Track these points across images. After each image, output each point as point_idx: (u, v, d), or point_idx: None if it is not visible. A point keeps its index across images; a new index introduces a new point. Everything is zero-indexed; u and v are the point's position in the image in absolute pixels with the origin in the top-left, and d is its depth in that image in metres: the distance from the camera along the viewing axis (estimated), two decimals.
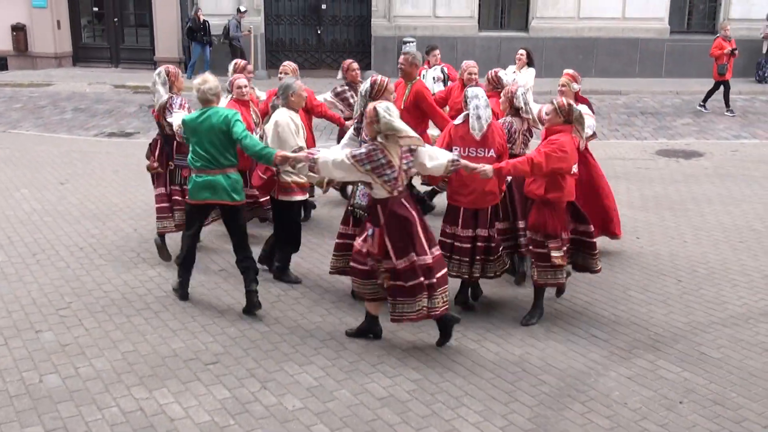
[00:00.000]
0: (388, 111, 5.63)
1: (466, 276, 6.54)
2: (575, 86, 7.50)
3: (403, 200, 5.74)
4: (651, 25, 20.37)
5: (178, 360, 5.72)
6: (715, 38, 16.54)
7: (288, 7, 21.32)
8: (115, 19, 22.24)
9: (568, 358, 5.84)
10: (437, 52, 11.10)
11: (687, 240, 8.56)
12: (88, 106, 17.29)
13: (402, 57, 8.44)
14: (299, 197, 7.11)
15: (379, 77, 6.48)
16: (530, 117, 6.98)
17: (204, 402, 5.18)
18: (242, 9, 19.85)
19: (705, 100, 16.65)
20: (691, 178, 11.19)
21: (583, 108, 6.77)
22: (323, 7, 21.32)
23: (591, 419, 5.04)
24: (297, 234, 7.27)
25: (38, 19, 21.71)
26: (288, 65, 8.63)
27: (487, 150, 6.28)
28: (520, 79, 10.33)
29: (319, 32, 21.34)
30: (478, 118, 6.23)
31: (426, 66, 11.09)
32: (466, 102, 6.38)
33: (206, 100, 6.36)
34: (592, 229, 6.72)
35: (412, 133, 5.69)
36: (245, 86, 7.78)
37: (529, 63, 11.30)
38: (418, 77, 8.56)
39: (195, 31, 19.82)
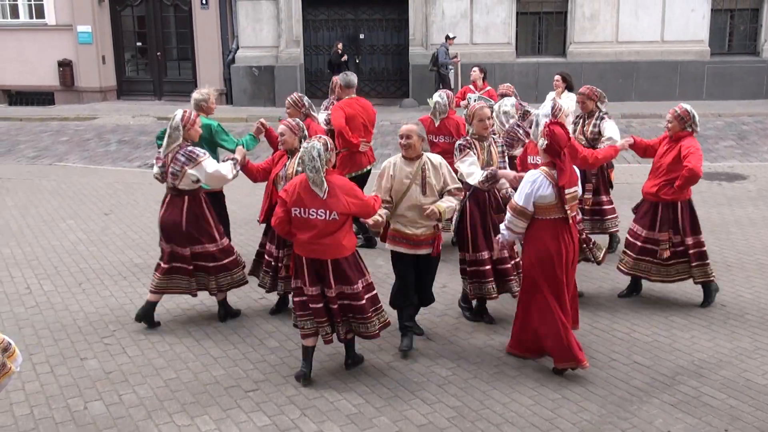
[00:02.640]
0: None
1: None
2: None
3: None
4: (690, 47, 20.25)
5: (219, 387, 5.78)
6: None
7: (326, 37, 21.64)
8: (158, 53, 22.75)
9: (609, 384, 5.78)
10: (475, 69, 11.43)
11: (731, 264, 8.43)
12: (131, 138, 17.66)
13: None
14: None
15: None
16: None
17: (245, 429, 5.22)
18: (451, 36, 19.59)
19: None
20: (734, 201, 11.04)
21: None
22: (361, 36, 21.61)
23: None
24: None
25: (84, 55, 22.32)
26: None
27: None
28: (563, 104, 10.33)
29: (357, 61, 21.60)
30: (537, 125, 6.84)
31: (472, 87, 11.32)
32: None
33: None
34: None
35: None
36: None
37: (569, 88, 11.28)
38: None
39: (335, 64, 19.95)
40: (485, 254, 6.66)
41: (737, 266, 8.37)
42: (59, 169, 14.62)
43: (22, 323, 7.02)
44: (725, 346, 6.44)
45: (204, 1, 21.47)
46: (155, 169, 6.71)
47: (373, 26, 21.74)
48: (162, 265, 6.77)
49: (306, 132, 6.75)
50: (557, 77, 11.46)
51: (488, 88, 11.42)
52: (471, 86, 11.76)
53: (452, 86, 18.51)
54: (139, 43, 23.10)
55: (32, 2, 22.53)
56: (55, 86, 22.66)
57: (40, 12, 22.54)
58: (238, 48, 21.33)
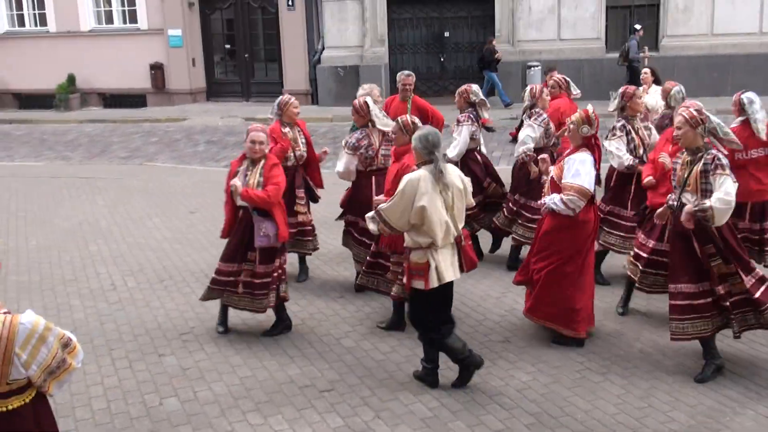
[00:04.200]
0: None
1: None
2: (585, 130, 6.15)
3: None
4: None
5: (294, 386, 5.73)
6: None
7: (411, 36, 21.53)
8: (246, 55, 23.10)
9: (698, 393, 5.46)
10: (554, 73, 10.85)
11: None
12: (220, 138, 17.96)
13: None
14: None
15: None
16: None
17: (318, 430, 5.14)
18: (638, 27, 18.74)
19: None
20: None
21: (582, 156, 6.13)
22: (446, 35, 21.41)
23: None
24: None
25: (175, 58, 22.86)
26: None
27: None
28: (648, 99, 9.93)
29: (442, 60, 21.42)
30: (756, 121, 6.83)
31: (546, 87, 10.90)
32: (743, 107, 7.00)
33: None
34: None
35: None
36: None
37: (656, 82, 10.88)
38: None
39: (487, 62, 19.52)
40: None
41: None
42: (149, 168, 14.98)
43: (104, 318, 7.15)
44: None
45: (290, 3, 21.68)
46: None
47: (458, 24, 21.50)
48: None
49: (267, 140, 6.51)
50: (645, 70, 11.15)
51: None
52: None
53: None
54: (227, 46, 23.50)
55: (126, 8, 23.22)
56: (147, 89, 23.28)
57: (133, 17, 23.22)
58: (323, 48, 21.44)
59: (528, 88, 8.23)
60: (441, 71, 21.60)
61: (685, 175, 5.56)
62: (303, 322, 6.94)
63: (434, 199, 5.30)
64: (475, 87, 8.36)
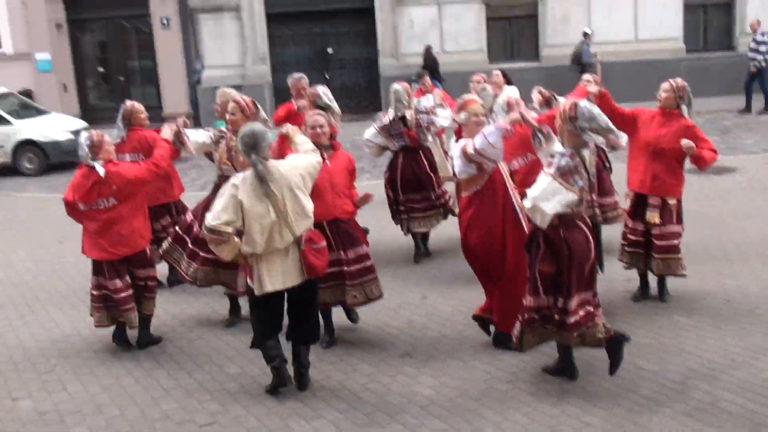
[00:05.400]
0: None
1: None
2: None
3: None
4: (666, 45, 19.79)
5: (170, 423, 5.05)
6: None
7: (294, 54, 20.99)
8: (121, 78, 22.02)
9: (613, 395, 5.10)
10: (426, 78, 10.50)
11: (732, 257, 7.81)
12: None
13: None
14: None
15: None
16: None
17: None
18: (588, 32, 18.55)
19: None
20: (726, 194, 10.46)
21: None
22: (329, 51, 20.99)
23: None
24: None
25: (44, 83, 21.50)
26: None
27: None
28: (498, 100, 9.68)
29: (327, 77, 20.97)
30: None
31: (419, 95, 10.61)
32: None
33: None
34: None
35: None
36: None
37: (508, 82, 10.72)
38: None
39: (431, 69, 18.02)
40: None
41: (739, 259, 7.74)
42: (12, 198, 13.84)
43: None
44: (737, 344, 5.79)
45: (164, 21, 20.81)
46: None
47: (341, 40, 21.11)
48: None
49: None
50: (496, 72, 10.57)
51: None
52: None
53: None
54: (101, 69, 22.33)
55: None
56: None
57: None
58: (203, 68, 20.64)
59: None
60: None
61: None
62: (181, 350, 6.25)
63: (258, 203, 4.94)
64: (321, 88, 7.99)
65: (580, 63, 18.42)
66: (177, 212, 7.59)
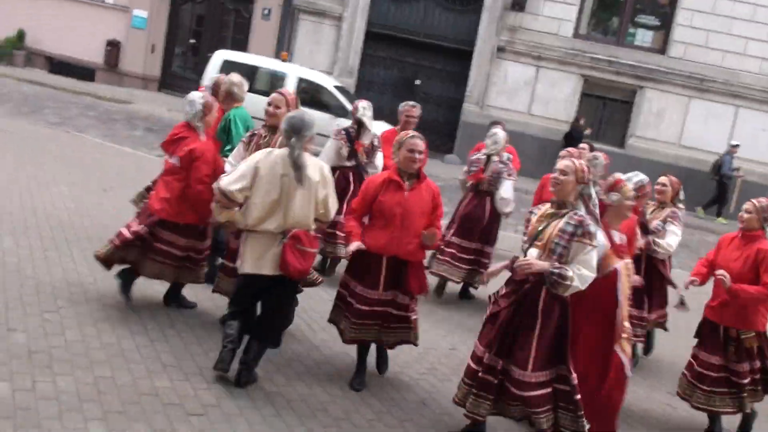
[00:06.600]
0: None
1: None
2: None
3: None
4: (755, 168, 19.12)
5: (157, 402, 4.65)
6: None
7: (381, 76, 20.88)
8: (209, 54, 22.06)
9: None
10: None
11: None
12: (161, 128, 16.81)
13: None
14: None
15: None
16: None
17: None
18: (734, 144, 18.19)
19: None
20: None
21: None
22: (417, 82, 20.81)
23: None
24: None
25: (134, 39, 21.72)
26: None
27: None
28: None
29: None
30: None
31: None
32: None
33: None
34: None
35: None
36: None
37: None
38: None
39: (574, 139, 17.52)
40: None
41: None
42: (75, 138, 13.77)
43: None
44: None
45: (267, 12, 20.87)
46: None
47: (432, 75, 20.94)
48: None
49: None
50: (583, 145, 10.09)
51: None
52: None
53: (729, 201, 17.90)
54: (192, 41, 22.48)
55: None
56: (98, 64, 22.03)
57: None
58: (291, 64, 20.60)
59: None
60: None
61: (539, 228, 4.76)
62: (192, 330, 5.89)
63: (271, 179, 4.90)
64: (363, 103, 7.84)
65: (719, 173, 17.85)
66: None
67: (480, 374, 4.73)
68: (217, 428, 4.51)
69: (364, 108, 7.80)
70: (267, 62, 17.36)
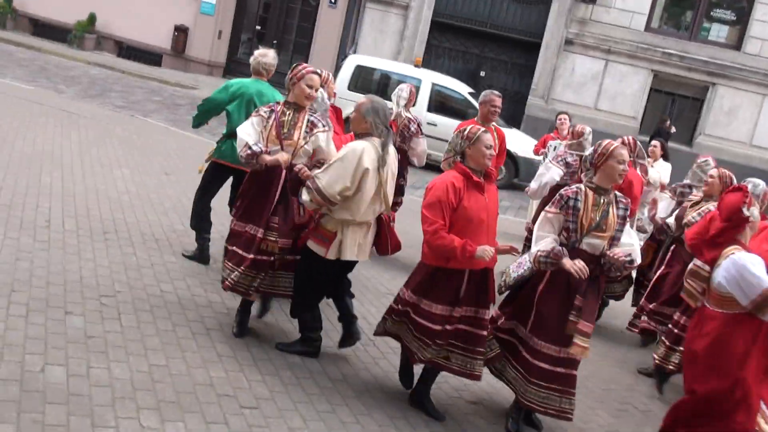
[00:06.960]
0: None
1: None
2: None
3: None
4: None
5: (211, 392, 4.59)
6: None
7: (446, 65, 20.60)
8: (275, 42, 22.14)
9: None
10: (564, 117, 10.28)
11: None
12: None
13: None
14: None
15: None
16: None
17: None
18: None
19: None
20: None
21: None
22: (482, 74, 20.50)
23: None
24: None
25: (202, 25, 21.85)
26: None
27: None
28: (652, 172, 8.95)
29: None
30: None
31: (555, 135, 10.30)
32: None
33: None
34: None
35: None
36: None
37: (665, 157, 10.05)
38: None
39: (662, 136, 16.45)
40: None
41: None
42: (139, 122, 13.91)
43: (21, 255, 5.98)
44: None
45: (333, 1, 20.79)
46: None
47: (497, 66, 20.59)
48: None
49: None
50: (654, 143, 10.34)
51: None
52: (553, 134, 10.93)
53: None
54: (258, 27, 22.53)
55: None
56: (165, 49, 22.24)
57: None
58: (355, 53, 20.50)
59: None
60: None
61: (598, 218, 4.72)
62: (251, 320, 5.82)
63: (374, 174, 4.93)
64: (402, 86, 8.22)
65: None
66: None
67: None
68: (270, 423, 4.41)
69: (401, 90, 8.05)
70: (400, 67, 17.15)
